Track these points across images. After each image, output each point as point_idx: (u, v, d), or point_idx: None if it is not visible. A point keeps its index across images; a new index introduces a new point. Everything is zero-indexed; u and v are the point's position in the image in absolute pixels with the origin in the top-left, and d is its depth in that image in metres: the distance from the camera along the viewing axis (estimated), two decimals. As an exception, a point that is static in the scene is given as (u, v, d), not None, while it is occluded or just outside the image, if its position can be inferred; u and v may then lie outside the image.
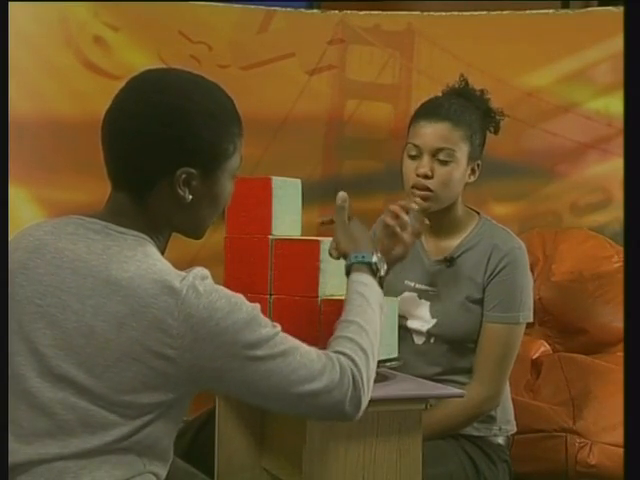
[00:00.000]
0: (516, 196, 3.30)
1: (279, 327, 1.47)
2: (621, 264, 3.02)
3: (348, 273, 1.70)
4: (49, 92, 3.02)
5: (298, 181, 1.98)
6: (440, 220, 2.21)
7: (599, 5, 3.99)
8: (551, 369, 2.88)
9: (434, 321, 2.20)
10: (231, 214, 1.96)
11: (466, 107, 2.21)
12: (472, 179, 2.24)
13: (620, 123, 3.01)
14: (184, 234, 1.57)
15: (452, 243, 2.24)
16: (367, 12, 3.29)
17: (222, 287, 1.44)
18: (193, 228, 1.56)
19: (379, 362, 1.83)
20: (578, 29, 3.28)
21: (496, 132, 2.28)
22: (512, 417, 2.29)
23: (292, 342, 1.47)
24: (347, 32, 3.26)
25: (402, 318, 2.15)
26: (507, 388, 2.27)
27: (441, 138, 2.16)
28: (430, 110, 2.21)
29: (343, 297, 1.85)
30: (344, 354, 1.51)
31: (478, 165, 2.24)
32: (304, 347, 1.47)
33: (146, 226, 1.49)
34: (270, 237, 1.90)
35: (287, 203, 1.94)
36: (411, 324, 2.22)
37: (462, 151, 2.18)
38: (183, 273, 1.42)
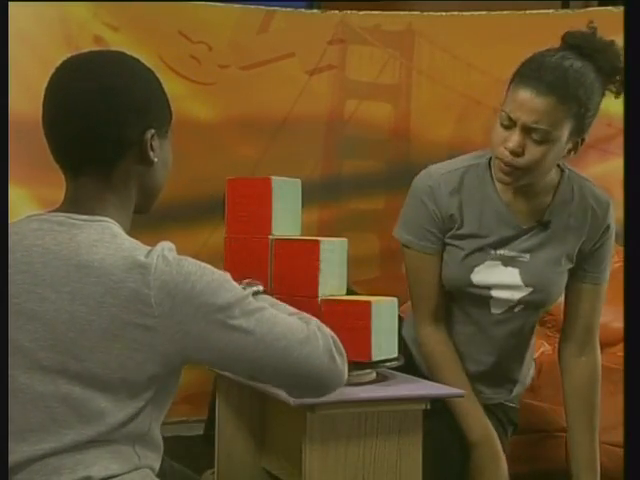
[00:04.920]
0: (516, 196, 3.29)
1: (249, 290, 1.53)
2: (621, 264, 3.00)
3: None
4: (49, 92, 3.02)
5: (298, 181, 1.98)
6: (527, 187, 1.99)
7: (599, 5, 3.99)
8: (551, 369, 2.87)
9: (529, 289, 2.04)
10: (231, 214, 1.96)
11: (583, 72, 1.88)
12: (572, 155, 1.95)
13: (620, 123, 3.00)
14: (141, 208, 1.57)
15: (543, 203, 2.03)
16: (367, 12, 3.29)
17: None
18: (152, 196, 1.57)
19: (379, 362, 1.83)
20: (578, 29, 3.28)
21: (619, 93, 1.93)
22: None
23: (262, 301, 1.51)
24: (347, 32, 3.27)
25: (483, 289, 2.04)
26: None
27: (539, 115, 1.84)
28: (535, 75, 1.86)
29: (343, 297, 1.86)
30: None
31: (583, 140, 1.95)
32: (270, 308, 1.50)
33: (110, 205, 1.51)
34: (270, 237, 1.90)
35: (287, 203, 1.94)
36: (498, 294, 2.04)
37: (563, 129, 1.87)
38: (150, 247, 1.44)
